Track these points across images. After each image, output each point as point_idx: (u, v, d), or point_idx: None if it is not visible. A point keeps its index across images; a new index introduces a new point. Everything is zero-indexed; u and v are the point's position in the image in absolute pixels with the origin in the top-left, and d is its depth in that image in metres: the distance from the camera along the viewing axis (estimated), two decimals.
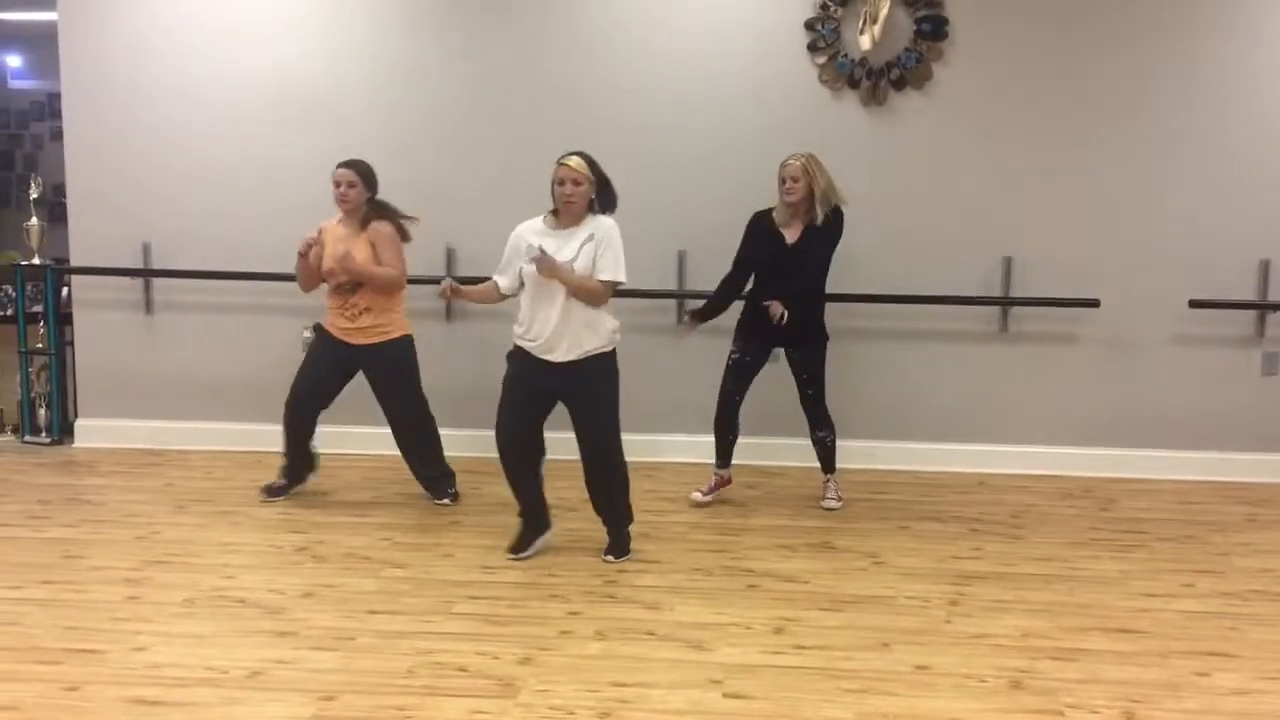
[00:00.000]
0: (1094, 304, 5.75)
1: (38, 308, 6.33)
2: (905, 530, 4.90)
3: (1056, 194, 5.79)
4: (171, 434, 6.14)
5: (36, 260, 6.32)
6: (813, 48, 5.77)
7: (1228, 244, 5.75)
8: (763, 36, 5.80)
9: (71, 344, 6.33)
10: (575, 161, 4.26)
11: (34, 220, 6.34)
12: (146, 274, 6.10)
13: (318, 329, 5.12)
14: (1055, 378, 5.91)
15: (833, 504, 5.19)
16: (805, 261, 5.00)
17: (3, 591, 3.98)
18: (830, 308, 5.46)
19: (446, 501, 5.18)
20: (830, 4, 5.71)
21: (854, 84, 5.77)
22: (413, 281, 5.53)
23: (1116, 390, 5.89)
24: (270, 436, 5.90)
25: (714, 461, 5.30)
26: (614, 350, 4.40)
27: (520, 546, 4.46)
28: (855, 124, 5.81)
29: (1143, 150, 5.74)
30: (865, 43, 5.65)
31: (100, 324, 6.20)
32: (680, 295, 5.89)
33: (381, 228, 4.96)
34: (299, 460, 5.23)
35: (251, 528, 4.78)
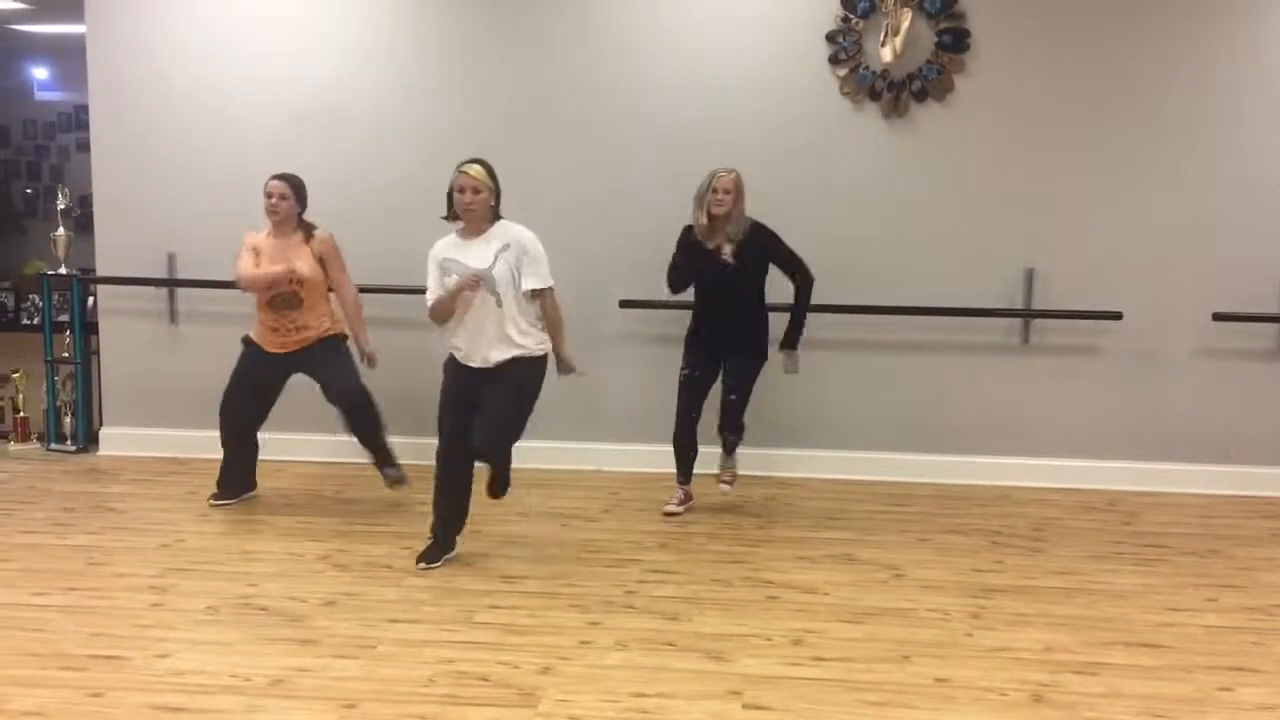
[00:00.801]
0: (1117, 316, 5.72)
1: (64, 317, 6.40)
2: (926, 542, 4.88)
3: (1078, 206, 5.77)
4: (195, 443, 6.16)
5: (63, 270, 6.38)
6: (834, 60, 5.78)
7: (1251, 257, 5.72)
8: (784, 48, 5.81)
9: (97, 353, 6.39)
10: (475, 170, 4.32)
11: (60, 230, 6.41)
12: (171, 284, 6.16)
13: (246, 341, 5.17)
14: (1078, 390, 5.88)
15: (725, 488, 5.28)
16: (748, 280, 5.04)
17: (28, 597, 4.02)
18: (852, 319, 5.48)
19: (394, 471, 5.21)
20: (852, 16, 5.72)
21: (875, 96, 5.78)
22: (414, 291, 5.56)
23: (1139, 403, 5.87)
24: (292, 445, 5.96)
25: (677, 477, 5.31)
26: (545, 356, 4.45)
27: (426, 557, 4.49)
28: (876, 136, 5.81)
29: (1165, 162, 5.72)
30: (887, 55, 5.66)
31: (126, 333, 6.26)
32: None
33: (325, 237, 5.06)
34: (238, 470, 5.32)
35: (274, 536, 4.80)
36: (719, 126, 5.83)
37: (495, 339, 4.31)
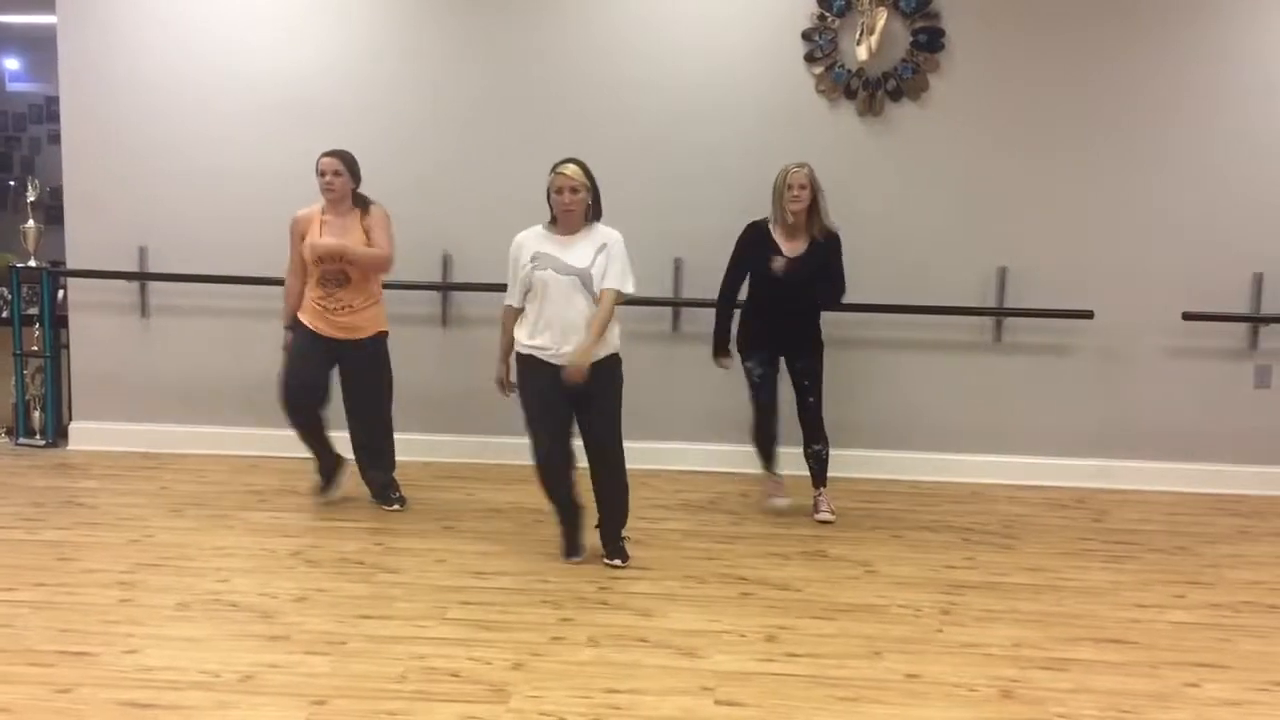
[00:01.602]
0: (1088, 315, 5.77)
1: (33, 310, 6.33)
2: (898, 539, 4.91)
3: (1051, 206, 5.82)
4: (166, 438, 6.14)
5: (33, 263, 6.32)
6: (810, 58, 5.80)
7: (1221, 257, 5.78)
8: (760, 46, 5.82)
9: (67, 347, 6.33)
10: (572, 169, 4.28)
11: (30, 223, 6.35)
12: (143, 277, 6.11)
13: (295, 326, 5.04)
14: (1049, 389, 5.93)
15: (827, 517, 5.18)
16: (810, 278, 4.99)
17: None
18: (825, 317, 5.47)
19: (396, 508, 5.15)
20: (828, 14, 5.74)
21: (851, 94, 5.80)
22: (409, 287, 5.55)
23: (1109, 401, 5.92)
24: (265, 440, 5.92)
25: (770, 473, 5.30)
26: (620, 354, 4.43)
27: (577, 549, 4.50)
28: (851, 134, 5.83)
29: (1137, 163, 5.77)
30: (862, 53, 5.68)
31: (96, 327, 6.21)
32: (676, 303, 5.91)
33: (378, 211, 4.99)
34: (327, 456, 5.19)
35: (245, 532, 4.78)
36: (694, 123, 5.85)
37: (576, 333, 4.26)
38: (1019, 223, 5.84)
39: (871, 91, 5.78)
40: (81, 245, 6.13)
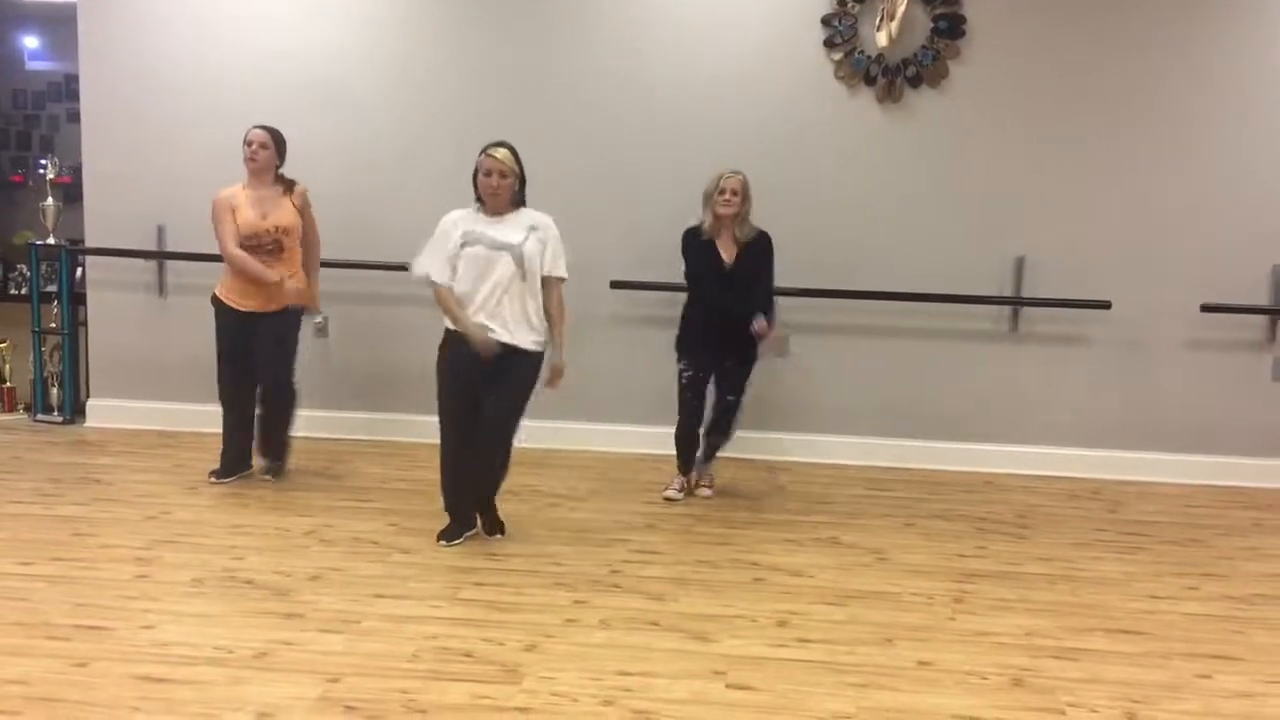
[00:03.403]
0: (1105, 306, 5.74)
1: (52, 288, 6.36)
2: (911, 527, 4.91)
3: (1070, 195, 5.78)
4: (183, 416, 6.16)
5: (51, 240, 6.35)
6: (829, 43, 5.77)
7: (1240, 249, 5.74)
8: (779, 31, 5.80)
9: (85, 324, 6.37)
10: (503, 154, 4.30)
11: (49, 200, 6.38)
12: (161, 256, 6.14)
13: (217, 303, 5.09)
14: (1065, 379, 5.91)
15: (709, 493, 5.27)
16: (747, 279, 5.02)
17: (13, 567, 4.01)
18: (842, 304, 5.49)
19: (269, 478, 5.23)
20: (848, 0, 5.71)
21: (870, 81, 5.77)
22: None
23: (1126, 393, 5.89)
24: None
25: (680, 468, 5.29)
26: (543, 354, 4.43)
27: (453, 534, 4.48)
28: (870, 121, 5.81)
29: (1157, 153, 5.74)
30: (882, 39, 5.65)
31: (114, 305, 6.24)
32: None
33: (303, 190, 5.13)
34: (238, 452, 5.26)
35: (261, 510, 4.80)
36: (712, 109, 5.83)
37: (516, 317, 4.30)
38: (1037, 212, 5.81)
39: (891, 78, 5.75)
40: (100, 223, 6.15)
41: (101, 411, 6.29)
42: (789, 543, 4.63)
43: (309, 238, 5.18)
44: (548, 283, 4.37)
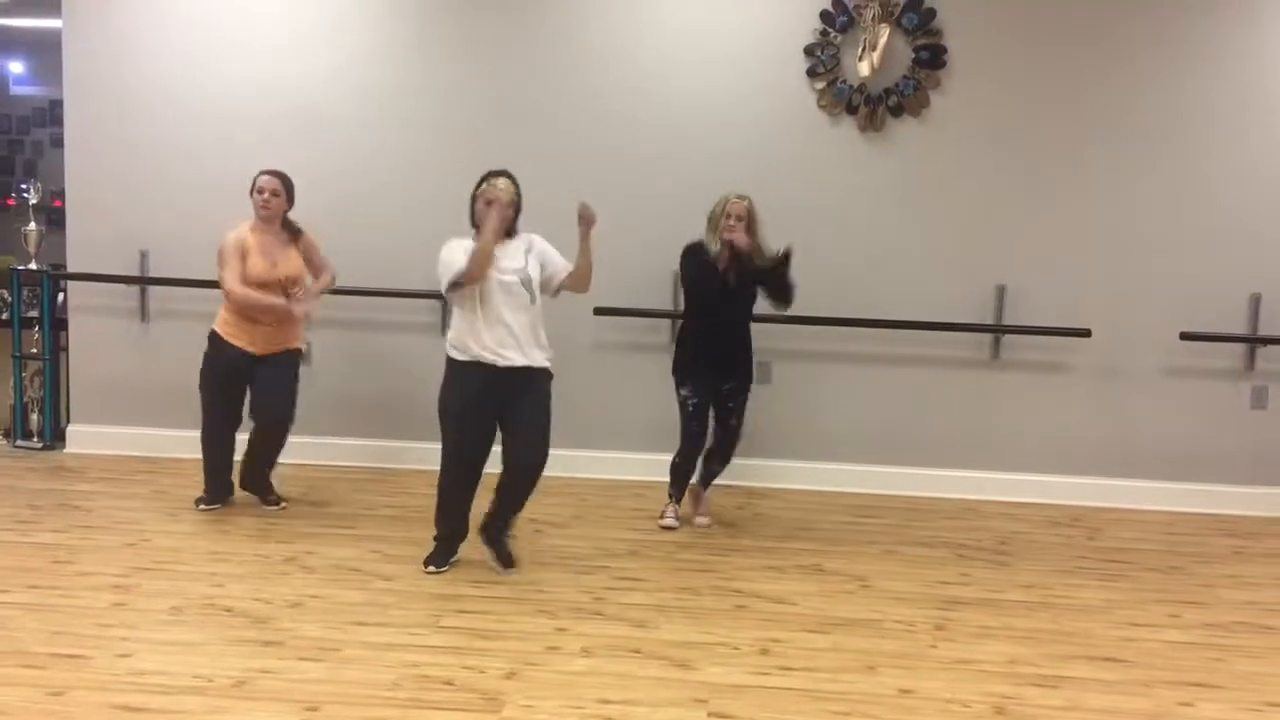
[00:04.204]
0: (1085, 334, 5.78)
1: (33, 313, 6.34)
2: (893, 555, 4.91)
3: (1050, 224, 5.83)
4: (164, 442, 6.13)
5: (34, 265, 6.33)
6: (812, 73, 5.82)
7: (1219, 277, 5.79)
8: (762, 61, 5.84)
9: (66, 349, 6.34)
10: (504, 184, 4.35)
11: (32, 225, 6.36)
12: (143, 281, 6.12)
13: (216, 341, 5.06)
14: (1046, 406, 5.94)
15: (705, 522, 5.24)
16: (746, 302, 5.05)
17: None
18: (824, 331, 5.50)
19: (283, 505, 5.23)
20: (830, 30, 5.77)
21: (852, 110, 5.82)
22: (400, 295, 5.56)
23: (1106, 420, 5.92)
24: None
25: (674, 496, 5.25)
26: (552, 374, 4.43)
27: (442, 560, 4.47)
28: (852, 149, 5.85)
29: (1136, 182, 5.79)
30: (864, 69, 5.70)
31: (96, 330, 6.21)
32: (674, 315, 5.91)
33: (309, 237, 5.13)
34: (226, 481, 5.25)
35: (241, 537, 4.77)
36: (695, 136, 5.86)
37: (527, 340, 4.30)
38: (1018, 240, 5.85)
39: (873, 107, 5.80)
40: (83, 248, 6.14)
41: (82, 437, 6.26)
42: (771, 570, 4.63)
43: (324, 265, 5.19)
44: (568, 273, 4.43)
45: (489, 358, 4.24)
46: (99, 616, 3.81)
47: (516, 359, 4.26)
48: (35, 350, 6.34)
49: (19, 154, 11.85)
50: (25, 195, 6.60)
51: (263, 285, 4.94)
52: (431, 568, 4.40)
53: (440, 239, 5.88)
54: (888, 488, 5.92)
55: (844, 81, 5.80)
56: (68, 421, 6.36)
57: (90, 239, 6.11)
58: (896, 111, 5.81)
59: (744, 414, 5.17)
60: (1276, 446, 5.88)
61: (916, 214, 5.86)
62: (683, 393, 5.09)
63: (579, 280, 4.46)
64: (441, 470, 4.40)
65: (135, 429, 6.18)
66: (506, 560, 4.46)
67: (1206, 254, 5.80)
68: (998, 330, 5.88)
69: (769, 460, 5.95)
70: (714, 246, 4.96)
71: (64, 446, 6.28)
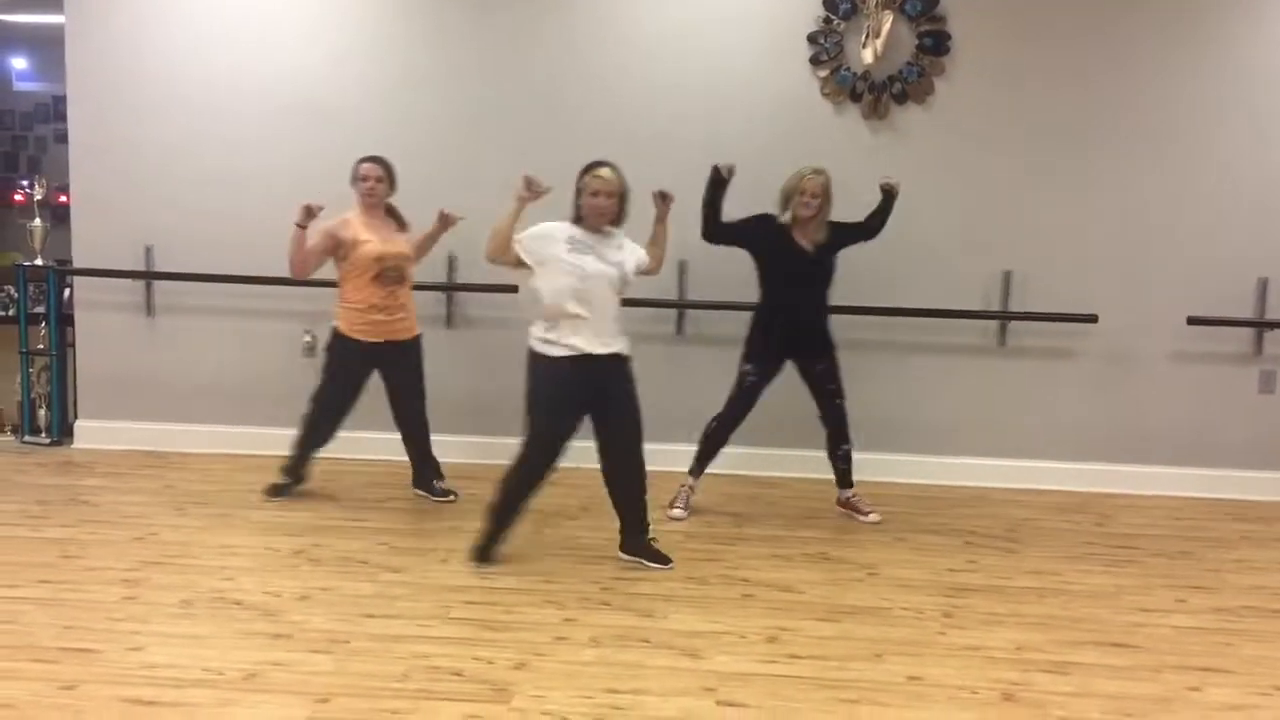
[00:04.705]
0: (1092, 319, 5.77)
1: (39, 309, 6.35)
2: (901, 542, 4.91)
3: (1056, 209, 5.82)
4: (171, 436, 6.15)
5: (39, 261, 6.34)
6: (815, 61, 5.80)
7: (1226, 261, 5.78)
8: (765, 49, 5.83)
9: (73, 345, 6.35)
10: (609, 174, 4.32)
11: (37, 221, 6.37)
12: (149, 276, 6.13)
13: (340, 337, 5.09)
14: (1053, 392, 5.93)
15: (877, 517, 5.22)
16: (826, 272, 5.05)
17: (0, 590, 3.99)
18: (830, 320, 5.47)
19: (452, 498, 5.29)
20: (833, 17, 5.75)
21: (856, 97, 5.81)
22: (417, 288, 5.55)
23: (1114, 406, 5.91)
24: (268, 439, 5.94)
25: (697, 470, 5.25)
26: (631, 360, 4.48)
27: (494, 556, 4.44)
28: (856, 137, 5.84)
29: (1142, 166, 5.77)
30: (867, 56, 5.68)
31: (102, 325, 6.22)
32: (680, 305, 5.91)
33: (413, 231, 5.20)
34: (305, 466, 5.33)
35: (249, 530, 4.79)
36: (698, 126, 5.85)
37: (613, 329, 4.34)
38: (1023, 226, 5.84)
39: (877, 95, 5.79)
40: (88, 244, 6.15)
41: (89, 432, 6.27)
42: (778, 558, 4.63)
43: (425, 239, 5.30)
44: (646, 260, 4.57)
45: (589, 348, 4.26)
46: (109, 610, 3.83)
47: (613, 346, 4.33)
48: (42, 346, 6.36)
49: (23, 150, 11.87)
50: (29, 191, 6.61)
51: (381, 258, 4.96)
52: (488, 565, 4.38)
53: (451, 231, 5.91)
54: (894, 475, 5.92)
55: (847, 69, 5.78)
56: (75, 417, 6.37)
57: (95, 234, 6.12)
58: (901, 98, 5.79)
59: (843, 389, 5.17)
60: None
61: (921, 201, 5.83)
62: (746, 367, 5.09)
63: (655, 261, 4.63)
64: (523, 466, 4.37)
65: (142, 424, 6.19)
66: (663, 557, 4.48)
67: (1213, 238, 5.78)
68: (1004, 317, 5.87)
69: (776, 449, 5.94)
70: (788, 220, 4.96)
71: (72, 442, 6.30)
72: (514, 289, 5.84)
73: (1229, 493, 5.84)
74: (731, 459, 5.56)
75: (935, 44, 5.73)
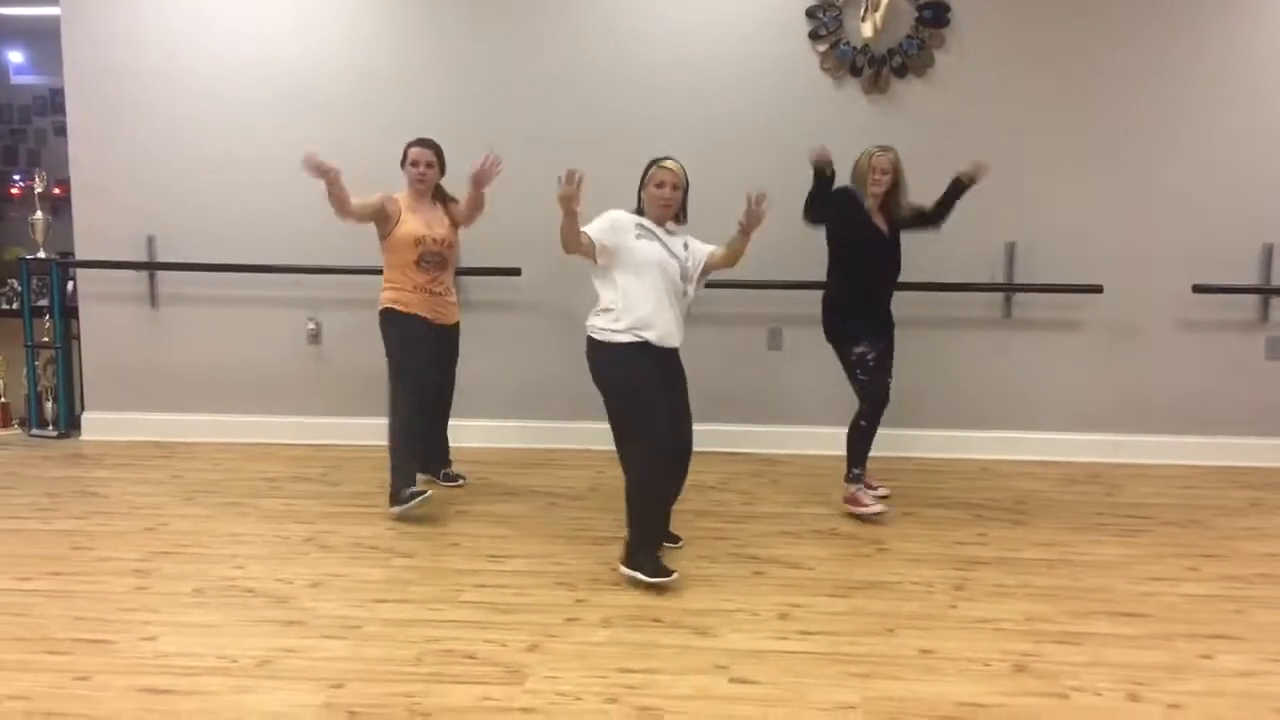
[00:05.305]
0: (1097, 290, 5.75)
1: (43, 302, 6.36)
2: (910, 516, 4.91)
3: (1059, 180, 5.79)
4: (178, 426, 6.16)
5: (41, 254, 6.34)
6: (814, 35, 5.78)
7: (1231, 229, 5.76)
8: (764, 24, 5.80)
9: (77, 338, 6.36)
10: (676, 166, 4.17)
11: (39, 214, 6.37)
12: (151, 267, 6.12)
13: (396, 317, 4.84)
14: (1059, 364, 5.92)
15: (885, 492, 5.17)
16: (898, 255, 4.93)
17: (12, 583, 4.00)
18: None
19: (461, 483, 5.28)
20: None
21: (856, 71, 5.78)
22: None
23: (1120, 376, 5.91)
24: (276, 428, 5.96)
25: (858, 473, 4.93)
26: None
27: (666, 570, 4.03)
28: (857, 111, 5.81)
29: (1145, 136, 5.75)
30: (867, 30, 5.66)
31: (106, 317, 6.23)
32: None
33: (456, 206, 5.06)
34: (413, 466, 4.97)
35: (259, 518, 4.79)
36: (698, 102, 5.83)
37: (677, 322, 4.14)
38: (1027, 198, 5.82)
39: (877, 69, 5.76)
40: (90, 236, 6.15)
41: (96, 424, 6.28)
42: (787, 535, 4.63)
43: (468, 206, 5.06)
44: (715, 257, 4.30)
45: (655, 339, 4.06)
46: (121, 601, 3.83)
47: (664, 340, 4.10)
48: (47, 339, 6.36)
49: (22, 143, 11.84)
50: (23, 185, 6.60)
51: (420, 242, 4.84)
52: (666, 579, 3.97)
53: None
54: (902, 450, 5.92)
55: (847, 43, 5.76)
56: (82, 409, 6.38)
57: (97, 226, 6.12)
58: (901, 72, 5.77)
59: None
60: None
61: (924, 175, 5.77)
62: (859, 350, 4.81)
63: (727, 260, 4.32)
64: (640, 464, 4.06)
65: (149, 414, 6.21)
66: (673, 536, 4.40)
67: (1217, 205, 5.76)
68: (1009, 289, 5.86)
69: (783, 426, 5.95)
70: (866, 201, 4.82)
71: (79, 434, 6.31)
72: (516, 272, 5.84)
73: (1238, 460, 5.84)
74: (737, 437, 5.57)
75: (935, 16, 5.70)
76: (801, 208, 4.83)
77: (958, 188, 4.96)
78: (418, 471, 5.00)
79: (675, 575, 3.98)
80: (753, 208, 4.19)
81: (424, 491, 4.78)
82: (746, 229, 4.22)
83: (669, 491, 4.25)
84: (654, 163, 4.20)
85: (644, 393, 4.02)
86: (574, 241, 4.03)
